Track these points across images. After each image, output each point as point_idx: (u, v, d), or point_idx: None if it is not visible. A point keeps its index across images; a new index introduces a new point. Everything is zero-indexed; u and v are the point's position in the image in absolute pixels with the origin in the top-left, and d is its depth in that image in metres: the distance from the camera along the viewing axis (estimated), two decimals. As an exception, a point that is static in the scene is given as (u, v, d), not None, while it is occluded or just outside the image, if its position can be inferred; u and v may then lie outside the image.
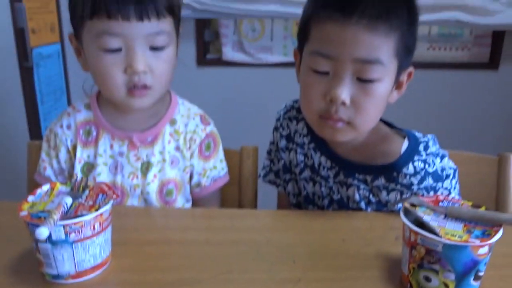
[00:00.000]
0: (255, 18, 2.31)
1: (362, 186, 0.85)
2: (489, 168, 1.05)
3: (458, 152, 1.04)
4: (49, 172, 0.95)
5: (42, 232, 0.54)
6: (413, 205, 0.65)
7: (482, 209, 0.63)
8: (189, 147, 0.94)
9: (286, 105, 0.98)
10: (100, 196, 0.64)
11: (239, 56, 2.39)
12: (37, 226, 0.56)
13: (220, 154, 0.99)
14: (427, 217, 0.61)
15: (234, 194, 1.03)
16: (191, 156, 0.95)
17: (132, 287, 0.61)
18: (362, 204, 0.86)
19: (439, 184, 0.82)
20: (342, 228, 0.78)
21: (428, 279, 0.59)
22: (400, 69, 0.78)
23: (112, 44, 0.79)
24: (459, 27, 2.31)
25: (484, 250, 0.57)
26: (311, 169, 0.90)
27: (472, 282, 0.58)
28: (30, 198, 0.64)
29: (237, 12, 2.18)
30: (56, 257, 0.60)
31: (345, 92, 0.73)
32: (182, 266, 0.66)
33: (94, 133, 0.92)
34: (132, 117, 0.91)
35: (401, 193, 0.82)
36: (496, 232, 0.57)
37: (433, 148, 0.83)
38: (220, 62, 2.41)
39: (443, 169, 0.82)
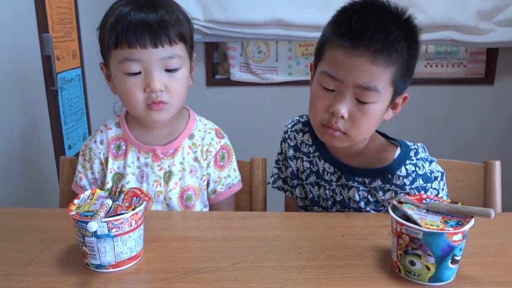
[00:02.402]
0: (260, 41, 2.43)
1: (361, 188, 0.97)
2: (476, 174, 1.16)
3: (448, 160, 1.16)
4: (84, 182, 1.08)
5: (92, 225, 0.66)
6: (400, 202, 0.76)
7: (459, 205, 0.74)
8: (206, 158, 1.07)
9: (293, 119, 1.11)
10: (135, 198, 0.76)
11: (246, 76, 2.50)
12: (86, 222, 0.68)
13: (234, 164, 1.11)
14: (411, 212, 0.73)
15: (245, 201, 1.15)
16: (208, 165, 1.07)
17: (162, 274, 0.72)
18: (362, 204, 0.98)
19: (429, 185, 0.94)
20: (342, 226, 0.89)
21: (412, 263, 0.70)
22: (396, 94, 0.91)
23: (133, 69, 0.93)
24: (454, 45, 2.43)
25: (458, 237, 0.67)
26: (316, 174, 1.03)
27: (450, 265, 0.69)
28: (76, 201, 0.77)
29: (243, 35, 2.30)
30: (99, 249, 0.71)
31: (344, 108, 0.88)
32: (203, 257, 0.77)
33: (124, 147, 1.06)
34: (155, 133, 1.05)
35: (395, 193, 0.94)
36: (468, 222, 0.68)
37: (422, 154, 0.96)
38: (228, 82, 2.52)
39: (431, 172, 0.95)
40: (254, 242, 0.82)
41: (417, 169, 0.93)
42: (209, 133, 1.09)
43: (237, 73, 2.49)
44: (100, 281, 0.70)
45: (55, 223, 0.90)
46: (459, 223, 0.69)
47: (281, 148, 1.12)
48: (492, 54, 2.45)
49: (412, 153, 0.95)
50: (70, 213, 0.72)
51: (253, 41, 2.44)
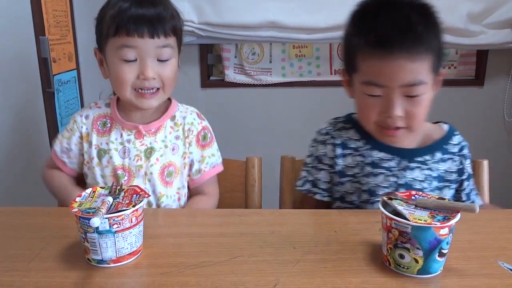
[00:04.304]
0: (254, 42, 2.46)
1: (423, 166, 1.03)
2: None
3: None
4: (57, 148, 1.16)
5: (95, 221, 0.68)
6: (390, 198, 0.79)
7: (445, 201, 0.77)
8: (187, 136, 1.13)
9: (329, 122, 1.13)
10: (135, 196, 0.79)
11: (240, 78, 2.53)
12: (88, 219, 0.70)
13: (216, 145, 1.18)
14: (401, 207, 0.76)
15: (241, 199, 1.18)
16: (190, 144, 1.13)
17: (162, 268, 0.75)
18: (426, 183, 1.02)
19: (468, 154, 1.07)
20: (335, 222, 0.92)
21: (402, 256, 0.73)
22: (436, 75, 0.96)
23: (129, 56, 1.02)
24: (444, 47, 2.47)
25: (445, 231, 0.70)
26: (371, 165, 1.04)
27: (437, 258, 0.72)
28: (78, 199, 0.79)
29: (238, 37, 2.33)
30: (101, 244, 0.74)
31: (398, 109, 0.93)
32: (201, 252, 0.80)
33: (109, 125, 1.14)
34: (139, 115, 1.13)
35: (453, 160, 1.04)
36: (454, 216, 0.72)
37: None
38: (223, 83, 2.55)
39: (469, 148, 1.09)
40: (250, 237, 0.85)
41: (462, 140, 1.08)
42: (191, 114, 1.17)
43: (231, 75, 2.52)
44: (102, 276, 0.73)
45: (55, 221, 0.93)
46: (446, 217, 0.72)
47: (314, 150, 1.11)
48: (482, 56, 2.50)
49: (456, 132, 1.09)
50: (73, 210, 0.74)
51: (247, 43, 2.47)
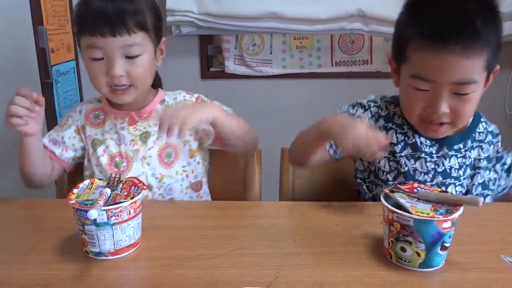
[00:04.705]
0: (255, 33, 2.44)
1: (458, 155, 1.01)
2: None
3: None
4: (45, 139, 1.13)
5: (93, 213, 0.67)
6: (392, 191, 0.78)
7: (448, 194, 0.76)
8: None
9: (376, 95, 1.09)
10: (133, 187, 0.78)
11: (240, 69, 2.50)
12: (86, 211, 0.69)
13: (218, 103, 1.16)
14: (403, 200, 0.75)
15: (240, 192, 1.17)
16: None
17: (160, 261, 0.74)
18: (461, 171, 1.01)
19: (494, 140, 1.06)
20: (336, 215, 0.91)
21: (403, 250, 0.72)
22: (489, 74, 0.92)
23: (96, 55, 1.01)
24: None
25: (447, 224, 0.69)
26: (412, 147, 1.02)
27: (439, 251, 0.71)
28: (75, 190, 0.78)
29: (238, 28, 2.30)
30: (99, 237, 0.73)
31: (444, 106, 0.90)
32: (201, 245, 0.79)
33: (102, 117, 1.14)
34: (127, 105, 1.11)
35: (480, 148, 1.04)
36: (457, 210, 0.71)
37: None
38: (223, 75, 2.52)
39: (498, 134, 1.07)
40: (249, 230, 0.84)
41: (486, 126, 1.06)
42: (179, 94, 1.18)
43: (231, 66, 2.50)
44: (100, 268, 0.72)
45: (53, 213, 0.92)
46: (449, 211, 0.71)
47: (348, 109, 1.07)
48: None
49: (481, 114, 1.06)
50: (70, 202, 0.73)
51: (247, 34, 2.44)
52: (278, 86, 2.49)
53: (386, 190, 0.78)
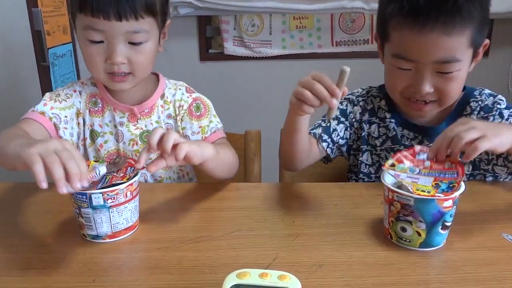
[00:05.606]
0: (254, 14, 2.40)
1: None
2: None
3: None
4: (46, 108, 0.99)
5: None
6: (392, 165, 0.76)
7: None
8: (178, 113, 1.06)
9: (362, 89, 1.08)
10: (129, 168, 0.77)
11: (240, 50, 2.48)
12: (82, 194, 0.68)
13: (213, 111, 1.09)
14: (404, 175, 0.73)
15: (240, 173, 1.15)
16: (182, 120, 1.06)
17: (159, 244, 0.73)
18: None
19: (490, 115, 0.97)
20: (335, 195, 0.90)
21: (404, 229, 0.71)
22: (476, 50, 0.89)
23: (95, 37, 0.91)
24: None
25: (448, 203, 0.68)
26: (392, 140, 1.02)
27: (440, 230, 0.70)
28: (71, 173, 0.77)
29: (237, 8, 2.27)
30: (96, 220, 0.72)
31: (427, 86, 0.87)
32: (199, 227, 0.78)
33: (100, 105, 1.05)
34: (127, 93, 1.02)
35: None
36: (459, 187, 0.69)
37: (488, 91, 1.00)
38: (222, 56, 2.50)
39: (494, 103, 0.97)
40: (248, 212, 0.83)
41: (480, 102, 0.97)
42: (179, 89, 1.08)
43: (230, 47, 2.47)
44: (97, 251, 0.71)
45: (48, 196, 0.90)
46: (450, 185, 0.70)
47: (342, 108, 1.06)
48: (487, 25, 2.44)
49: (476, 92, 0.99)
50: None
51: (246, 14, 2.41)
52: (278, 66, 2.47)
53: (387, 166, 0.76)
